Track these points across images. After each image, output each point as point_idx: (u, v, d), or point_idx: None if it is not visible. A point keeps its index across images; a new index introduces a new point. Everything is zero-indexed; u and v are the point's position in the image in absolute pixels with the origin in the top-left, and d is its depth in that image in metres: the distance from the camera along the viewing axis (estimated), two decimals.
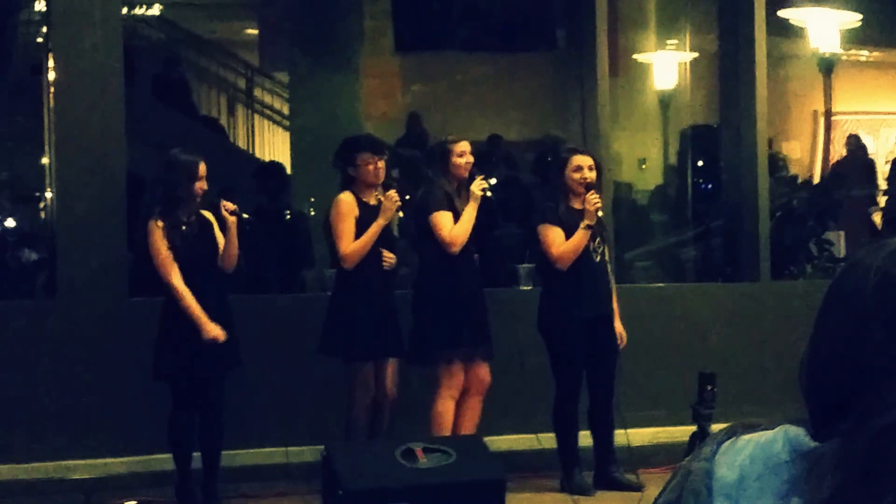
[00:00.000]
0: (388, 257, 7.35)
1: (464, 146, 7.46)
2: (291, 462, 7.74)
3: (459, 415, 7.48)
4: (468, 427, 7.47)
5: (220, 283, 7.12)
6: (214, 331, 6.83)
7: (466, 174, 7.38)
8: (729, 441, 1.33)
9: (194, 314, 6.83)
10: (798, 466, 1.25)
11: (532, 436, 7.86)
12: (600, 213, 7.36)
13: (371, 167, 7.34)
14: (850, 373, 1.25)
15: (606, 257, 7.62)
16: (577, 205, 7.43)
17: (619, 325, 7.57)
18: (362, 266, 7.27)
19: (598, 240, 7.48)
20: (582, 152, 7.65)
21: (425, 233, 7.43)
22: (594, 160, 7.56)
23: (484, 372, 7.50)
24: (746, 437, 1.32)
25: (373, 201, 7.34)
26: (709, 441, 1.36)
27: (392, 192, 7.31)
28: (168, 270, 6.87)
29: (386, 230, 7.38)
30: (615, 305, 7.59)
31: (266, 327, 7.97)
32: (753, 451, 1.30)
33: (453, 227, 7.33)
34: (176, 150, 7.12)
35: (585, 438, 7.55)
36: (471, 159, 7.44)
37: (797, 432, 1.28)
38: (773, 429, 1.30)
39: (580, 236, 7.36)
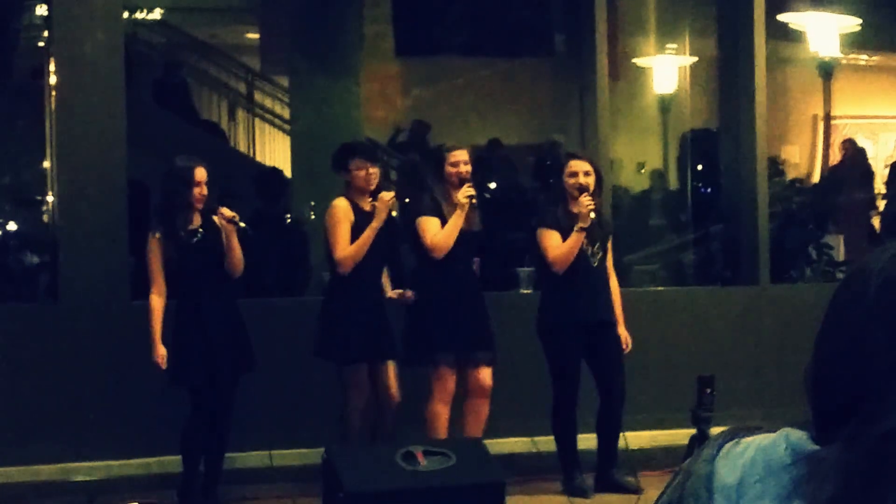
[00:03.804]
0: (404, 294, 7.40)
1: (458, 156, 7.43)
2: (292, 464, 7.75)
3: (464, 418, 7.51)
4: (473, 429, 7.48)
5: (229, 289, 7.13)
6: (159, 355, 6.89)
7: (458, 182, 7.36)
8: (730, 443, 1.33)
9: (152, 333, 6.91)
10: (799, 469, 1.25)
11: (528, 439, 7.86)
12: (592, 216, 7.34)
13: (363, 173, 7.31)
14: (853, 377, 1.25)
15: (609, 263, 7.64)
16: (575, 209, 7.43)
17: (622, 330, 7.58)
18: (355, 269, 7.27)
19: (597, 245, 7.49)
20: (580, 157, 7.64)
21: (417, 237, 7.45)
22: (592, 165, 7.55)
23: (484, 376, 7.49)
24: (747, 439, 1.32)
25: (367, 207, 7.33)
26: (710, 443, 1.35)
27: (384, 194, 7.30)
28: (152, 285, 6.96)
29: (388, 238, 7.38)
30: (619, 311, 7.59)
31: (265, 330, 7.98)
32: (754, 454, 1.29)
33: (437, 233, 7.35)
34: (178, 157, 7.14)
35: (584, 441, 7.57)
36: (465, 169, 7.38)
37: (798, 435, 1.28)
38: (774, 432, 1.31)
39: (574, 239, 7.37)
